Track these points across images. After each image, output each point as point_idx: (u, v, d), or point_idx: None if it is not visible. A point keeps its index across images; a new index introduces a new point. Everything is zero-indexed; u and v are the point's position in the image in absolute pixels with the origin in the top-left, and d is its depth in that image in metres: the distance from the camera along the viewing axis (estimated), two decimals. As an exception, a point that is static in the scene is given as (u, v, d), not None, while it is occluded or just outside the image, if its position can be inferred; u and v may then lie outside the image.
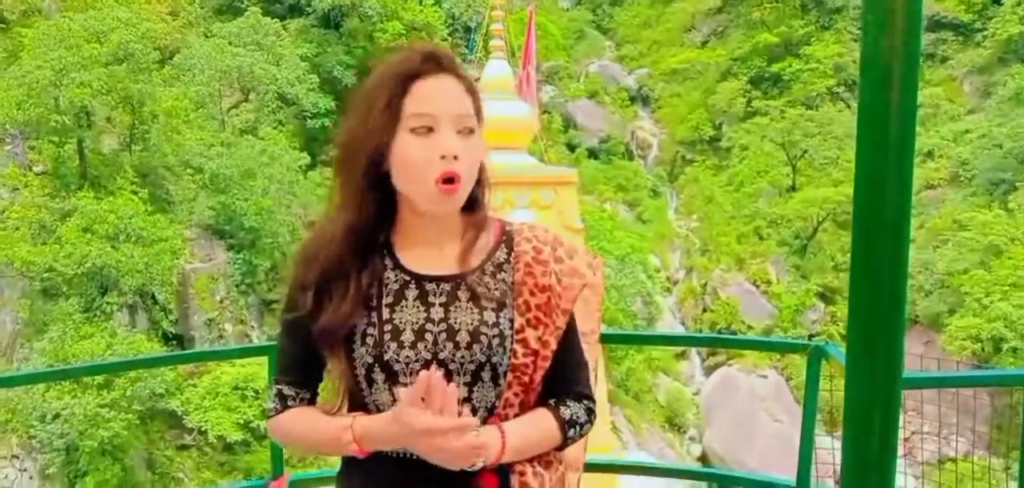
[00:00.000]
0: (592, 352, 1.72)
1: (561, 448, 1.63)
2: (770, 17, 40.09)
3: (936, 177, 31.87)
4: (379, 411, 1.53)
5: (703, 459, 25.79)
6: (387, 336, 1.51)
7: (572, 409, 1.62)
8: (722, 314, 30.06)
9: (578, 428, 1.62)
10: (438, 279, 1.56)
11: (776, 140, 34.68)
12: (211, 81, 25.24)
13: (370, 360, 1.51)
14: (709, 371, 29.27)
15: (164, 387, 18.09)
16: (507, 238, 1.65)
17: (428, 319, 1.53)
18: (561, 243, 1.68)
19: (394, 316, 1.53)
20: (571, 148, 37.45)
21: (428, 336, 1.52)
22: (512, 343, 1.56)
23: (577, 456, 1.77)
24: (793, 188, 33.82)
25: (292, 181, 23.95)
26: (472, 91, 1.57)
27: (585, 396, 1.65)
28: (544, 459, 1.61)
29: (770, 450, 22.96)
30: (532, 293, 1.59)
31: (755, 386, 26.93)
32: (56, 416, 16.64)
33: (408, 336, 1.51)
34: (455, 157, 1.49)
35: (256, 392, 18.46)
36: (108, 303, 18.60)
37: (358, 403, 1.56)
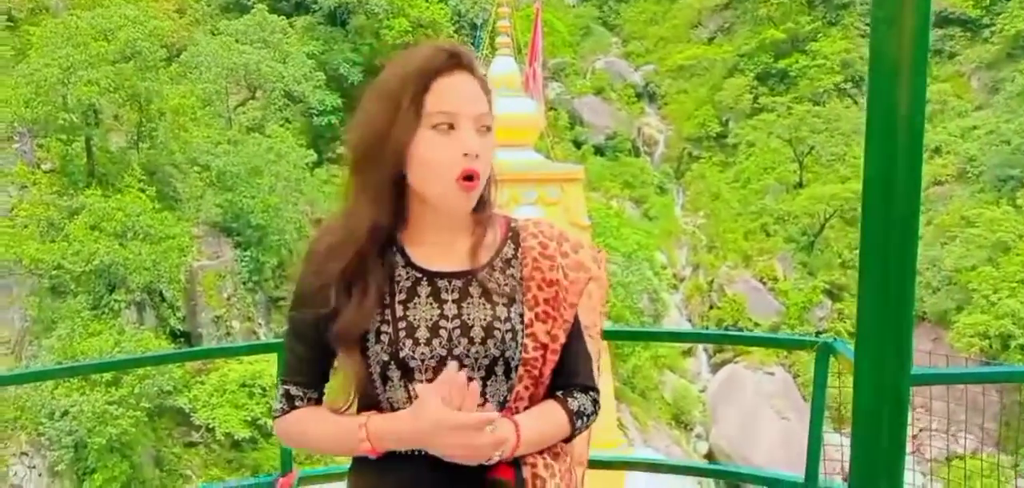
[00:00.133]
0: (595, 345, 1.73)
1: (569, 439, 1.65)
2: (777, 13, 39.93)
3: (944, 173, 31.75)
4: (393, 409, 1.54)
5: (710, 456, 25.74)
6: (402, 333, 1.52)
7: (579, 400, 1.64)
8: (729, 311, 30.01)
9: (585, 419, 1.65)
10: (450, 275, 1.57)
11: (783, 136, 34.56)
12: (218, 79, 25.28)
13: (385, 358, 1.51)
14: (716, 368, 29.23)
15: (172, 384, 18.14)
16: (513, 234, 1.66)
17: (441, 316, 1.53)
18: (566, 238, 1.70)
19: (408, 313, 1.53)
20: (577, 145, 37.39)
21: (442, 332, 1.52)
22: (523, 338, 1.58)
23: (582, 451, 1.78)
24: (800, 185, 33.71)
25: (299, 178, 23.99)
26: (487, 89, 1.58)
27: (591, 388, 1.67)
28: (553, 450, 1.62)
29: (777, 447, 22.93)
30: (540, 287, 1.61)
31: (762, 383, 26.88)
32: (65, 413, 16.70)
33: (423, 333, 1.52)
34: (476, 155, 1.50)
35: (263, 389, 18.50)
36: (116, 300, 18.66)
37: (371, 402, 1.56)
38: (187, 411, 18.70)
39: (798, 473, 2.82)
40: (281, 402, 1.63)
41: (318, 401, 1.64)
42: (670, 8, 46.04)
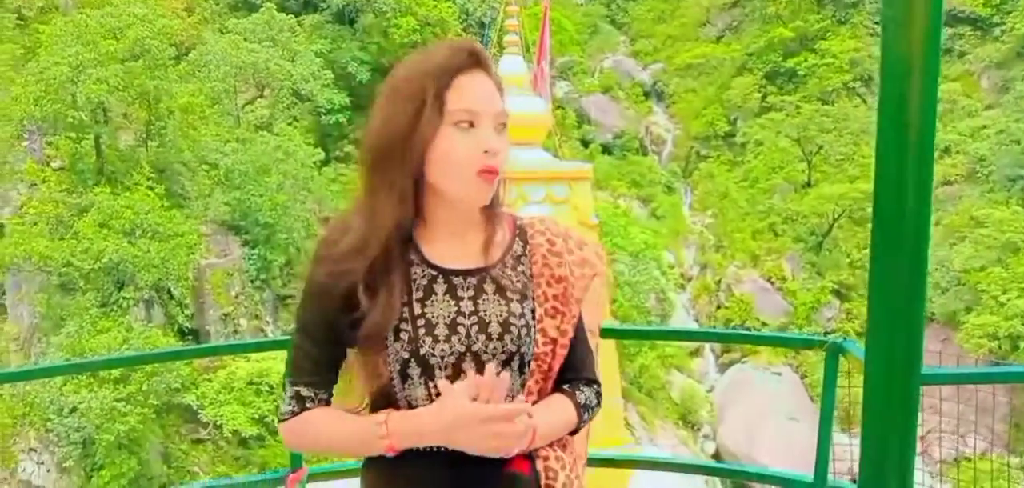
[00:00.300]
0: (593, 340, 1.77)
1: (575, 432, 1.68)
2: (785, 12, 39.80)
3: (953, 173, 31.60)
4: (411, 407, 1.54)
5: (717, 457, 25.69)
6: (421, 331, 1.52)
7: (585, 394, 1.68)
8: (736, 311, 29.95)
9: (591, 411, 1.68)
10: (464, 272, 1.58)
11: (791, 136, 34.45)
12: (226, 77, 25.34)
13: (406, 356, 1.52)
14: (723, 368, 29.18)
15: (180, 382, 18.22)
16: (520, 232, 1.68)
17: (459, 312, 1.54)
18: (571, 235, 1.73)
19: (426, 310, 1.53)
20: (585, 144, 37.36)
21: (461, 329, 1.53)
22: (535, 333, 1.60)
23: (582, 447, 1.79)
24: (809, 184, 33.61)
25: (307, 177, 24.05)
26: (501, 88, 1.59)
27: (594, 381, 1.71)
28: (561, 443, 1.65)
29: (784, 448, 22.85)
30: (549, 284, 1.64)
31: (769, 383, 26.83)
32: (73, 410, 16.78)
33: (442, 330, 1.52)
34: (496, 153, 1.52)
35: (270, 387, 18.56)
36: (124, 298, 18.74)
37: (389, 400, 1.56)
38: (195, 408, 18.77)
39: (806, 473, 2.81)
40: (290, 403, 1.59)
41: (328, 402, 1.62)
42: (678, 6, 45.93)
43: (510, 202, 1.74)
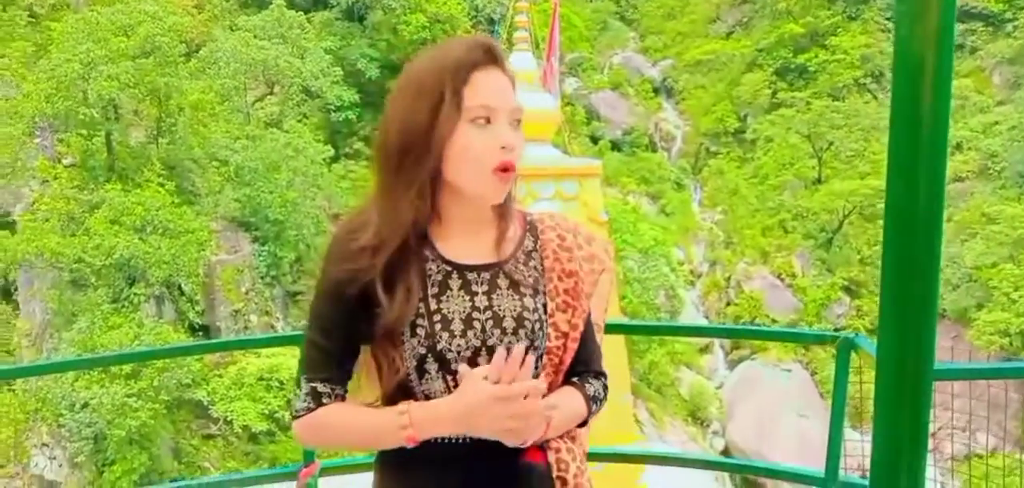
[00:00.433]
0: (599, 334, 1.80)
1: (583, 424, 1.70)
2: (796, 7, 39.63)
3: (965, 170, 31.43)
4: (428, 400, 1.55)
5: (726, 453, 25.64)
6: (438, 326, 1.53)
7: (594, 386, 1.71)
8: (746, 308, 29.88)
9: (599, 404, 1.71)
10: (478, 268, 1.59)
11: (802, 132, 34.35)
12: (236, 74, 25.39)
13: (423, 351, 1.52)
14: (733, 365, 29.11)
15: (190, 377, 18.28)
16: (531, 227, 1.70)
17: (474, 307, 1.55)
18: (580, 231, 1.75)
19: (441, 306, 1.54)
20: (594, 140, 37.31)
21: (476, 324, 1.54)
22: (547, 327, 1.63)
23: (583, 441, 1.81)
24: (819, 181, 33.50)
25: (316, 174, 24.09)
26: (515, 84, 1.61)
27: (602, 374, 1.74)
28: (570, 435, 1.67)
29: (794, 444, 22.81)
30: (560, 278, 1.66)
31: (779, 380, 26.77)
32: (85, 405, 16.86)
33: (457, 325, 1.53)
34: (513, 148, 1.54)
35: (280, 383, 18.62)
36: (135, 294, 18.82)
37: (406, 394, 1.56)
38: (205, 404, 18.84)
39: (817, 469, 2.82)
40: (306, 400, 1.58)
41: (343, 398, 1.62)
42: (688, 2, 45.81)
43: (520, 199, 1.75)
